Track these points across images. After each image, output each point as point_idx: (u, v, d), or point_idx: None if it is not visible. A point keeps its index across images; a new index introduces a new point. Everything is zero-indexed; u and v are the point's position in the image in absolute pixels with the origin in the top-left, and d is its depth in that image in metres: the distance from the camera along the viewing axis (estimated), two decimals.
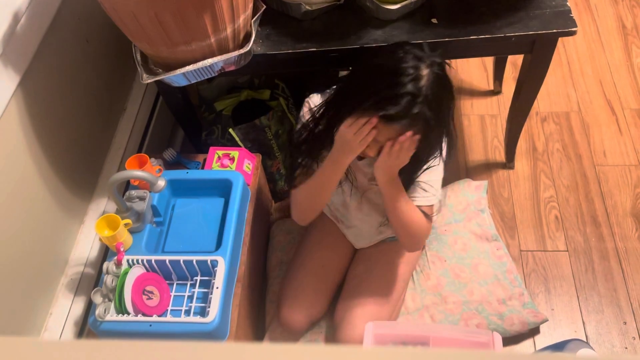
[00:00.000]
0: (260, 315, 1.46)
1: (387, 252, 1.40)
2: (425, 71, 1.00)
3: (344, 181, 1.29)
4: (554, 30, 1.23)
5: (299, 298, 1.34)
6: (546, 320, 1.40)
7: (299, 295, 1.35)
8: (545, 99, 1.94)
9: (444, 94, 1.04)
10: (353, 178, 1.28)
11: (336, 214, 1.43)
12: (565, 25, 1.23)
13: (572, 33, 1.24)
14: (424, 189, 1.20)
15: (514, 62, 1.99)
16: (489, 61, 2.04)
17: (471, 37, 1.24)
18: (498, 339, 1.18)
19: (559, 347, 1.32)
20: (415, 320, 1.38)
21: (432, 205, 1.23)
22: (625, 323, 1.42)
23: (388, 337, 1.27)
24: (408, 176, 1.17)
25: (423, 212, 1.20)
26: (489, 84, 2.00)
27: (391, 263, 1.38)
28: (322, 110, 1.18)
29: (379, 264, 1.38)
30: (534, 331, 1.41)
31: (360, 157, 1.18)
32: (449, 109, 1.09)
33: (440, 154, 1.15)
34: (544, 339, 1.41)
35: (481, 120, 1.91)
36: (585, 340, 1.38)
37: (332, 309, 1.41)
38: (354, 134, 1.05)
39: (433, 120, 1.02)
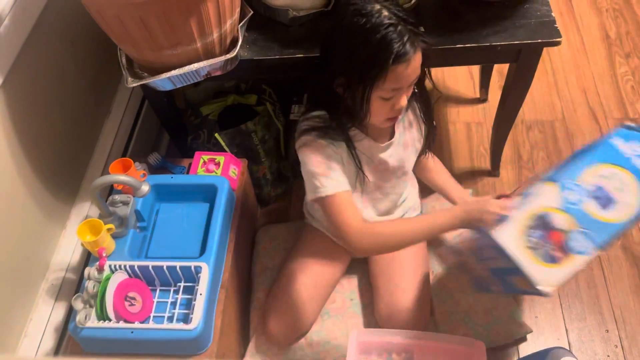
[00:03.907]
0: (245, 322, 1.45)
1: None
2: (377, 6, 1.05)
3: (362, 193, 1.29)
4: (539, 40, 1.24)
5: (287, 314, 1.33)
6: (530, 332, 1.41)
7: (287, 311, 1.33)
8: (531, 108, 1.96)
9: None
10: (364, 178, 1.25)
11: None
12: (550, 35, 1.25)
13: (557, 43, 1.25)
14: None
15: (500, 71, 2.01)
16: (475, 69, 2.05)
17: (457, 46, 1.24)
18: (481, 347, 1.18)
19: (541, 355, 1.32)
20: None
21: None
22: (607, 331, 1.43)
23: (372, 345, 1.27)
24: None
25: None
26: (475, 92, 2.02)
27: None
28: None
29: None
30: (517, 339, 1.42)
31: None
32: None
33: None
34: (527, 346, 1.42)
35: (467, 127, 1.92)
36: (567, 349, 1.39)
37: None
38: (496, 209, 1.03)
39: (420, 29, 1.07)
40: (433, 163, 1.47)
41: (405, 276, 1.34)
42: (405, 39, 1.03)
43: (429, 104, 1.28)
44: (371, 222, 1.26)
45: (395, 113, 1.14)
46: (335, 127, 1.17)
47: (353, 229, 1.10)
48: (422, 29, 1.07)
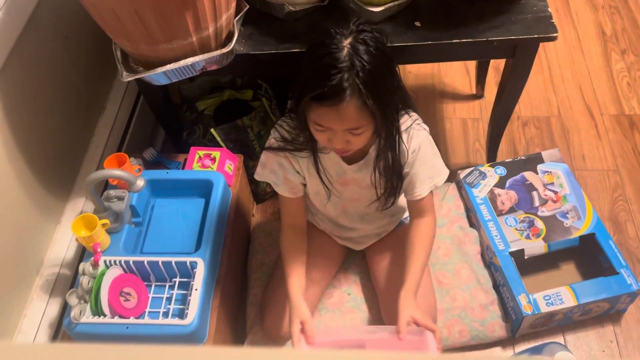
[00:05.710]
0: (240, 317, 1.44)
1: (395, 239, 1.38)
2: (345, 42, 0.97)
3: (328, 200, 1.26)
4: (535, 36, 1.24)
5: (283, 309, 1.32)
6: None
7: (283, 305, 1.32)
8: (527, 104, 1.96)
9: (378, 60, 0.98)
10: (337, 193, 1.23)
11: (329, 228, 1.40)
12: (546, 30, 1.25)
13: (553, 38, 1.25)
14: (430, 177, 1.17)
15: (496, 67, 2.01)
16: (472, 65, 2.05)
17: (454, 41, 1.24)
18: (430, 335, 1.13)
19: (537, 350, 1.33)
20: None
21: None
22: (602, 326, 1.44)
23: (323, 345, 1.23)
24: (395, 170, 1.14)
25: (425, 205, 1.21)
26: (471, 88, 2.02)
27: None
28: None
29: (396, 253, 1.35)
30: (513, 334, 1.42)
31: (349, 161, 1.17)
32: (390, 72, 1.04)
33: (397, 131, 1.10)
34: (523, 342, 1.42)
35: (463, 123, 1.92)
36: (563, 343, 1.39)
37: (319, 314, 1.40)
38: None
39: (369, 88, 0.96)
40: (414, 229, 1.24)
41: None
42: (335, 82, 0.94)
43: (395, 181, 1.17)
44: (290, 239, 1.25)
45: (335, 150, 1.07)
46: (305, 138, 1.12)
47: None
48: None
